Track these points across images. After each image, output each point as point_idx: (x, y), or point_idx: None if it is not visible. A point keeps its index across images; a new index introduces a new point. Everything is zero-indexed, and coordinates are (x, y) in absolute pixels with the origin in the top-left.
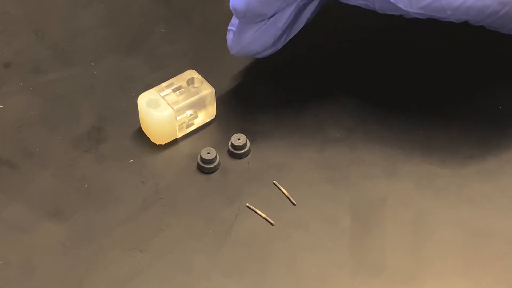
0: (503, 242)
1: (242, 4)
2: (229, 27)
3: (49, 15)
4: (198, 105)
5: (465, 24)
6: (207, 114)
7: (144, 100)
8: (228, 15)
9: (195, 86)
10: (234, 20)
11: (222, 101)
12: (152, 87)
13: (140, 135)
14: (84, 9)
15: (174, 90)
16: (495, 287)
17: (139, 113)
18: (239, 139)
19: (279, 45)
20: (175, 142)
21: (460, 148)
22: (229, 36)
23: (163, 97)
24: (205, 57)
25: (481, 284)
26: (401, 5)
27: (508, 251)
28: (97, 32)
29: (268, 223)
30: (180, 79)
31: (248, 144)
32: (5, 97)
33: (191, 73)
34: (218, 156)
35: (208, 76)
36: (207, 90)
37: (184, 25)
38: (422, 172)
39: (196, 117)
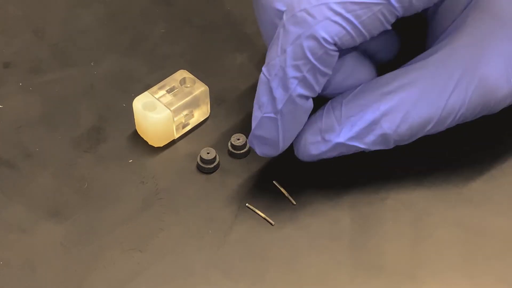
0: (503, 242)
1: (273, 152)
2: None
3: (49, 15)
4: (193, 104)
5: None
6: (201, 112)
7: (140, 103)
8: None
9: (188, 85)
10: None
11: (222, 101)
12: (151, 87)
13: (140, 136)
14: (84, 9)
15: (167, 92)
16: (495, 287)
17: (135, 117)
18: (238, 139)
19: None
20: (173, 142)
21: (460, 148)
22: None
23: (158, 99)
24: (205, 57)
25: (480, 284)
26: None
27: (508, 251)
28: (97, 32)
29: (268, 223)
30: (172, 80)
31: (248, 144)
32: (5, 97)
33: (182, 73)
34: (218, 156)
35: (208, 76)
36: (201, 89)
37: (184, 25)
38: (422, 172)
39: (191, 116)
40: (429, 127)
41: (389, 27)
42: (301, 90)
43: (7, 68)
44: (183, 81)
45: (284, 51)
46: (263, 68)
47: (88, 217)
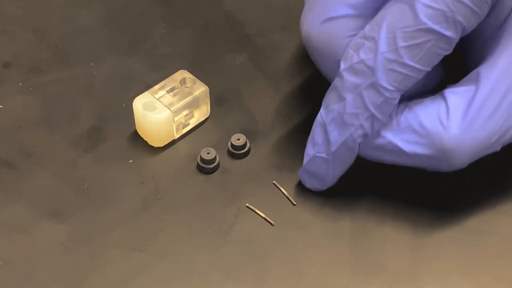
0: (503, 242)
1: (322, 186)
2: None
3: (49, 15)
4: (193, 104)
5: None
6: (201, 113)
7: (140, 103)
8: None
9: (188, 86)
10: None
11: (222, 101)
12: (152, 87)
13: (140, 136)
14: (84, 9)
15: (168, 92)
16: (494, 287)
17: (135, 117)
18: (239, 139)
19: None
20: (173, 142)
21: None
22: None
23: (158, 99)
24: (205, 58)
25: (480, 284)
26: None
27: (507, 250)
28: (97, 32)
29: (268, 223)
30: (172, 80)
31: (248, 144)
32: (4, 97)
33: (183, 73)
34: (218, 156)
35: (208, 76)
36: (201, 89)
37: (184, 25)
38: (422, 172)
39: (192, 116)
40: (493, 140)
41: (449, 52)
42: (356, 137)
43: (7, 68)
44: (183, 81)
45: (343, 98)
46: (322, 111)
47: (88, 217)
